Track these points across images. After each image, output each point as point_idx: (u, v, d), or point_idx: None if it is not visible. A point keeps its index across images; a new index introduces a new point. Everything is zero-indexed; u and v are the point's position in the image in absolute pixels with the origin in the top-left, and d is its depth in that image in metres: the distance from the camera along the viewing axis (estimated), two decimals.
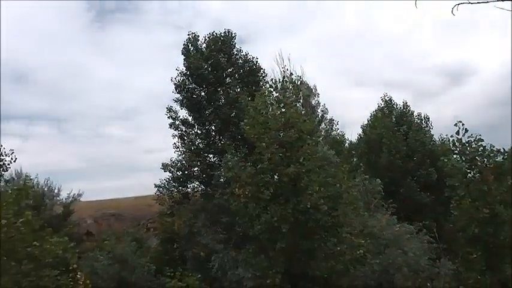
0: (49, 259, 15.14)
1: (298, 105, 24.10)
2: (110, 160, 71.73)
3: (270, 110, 17.78)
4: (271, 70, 36.60)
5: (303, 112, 22.95)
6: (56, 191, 31.10)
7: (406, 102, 32.07)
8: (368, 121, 32.35)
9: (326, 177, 17.49)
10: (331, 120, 34.92)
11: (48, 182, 30.81)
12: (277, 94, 18.31)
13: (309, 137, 17.44)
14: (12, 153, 19.75)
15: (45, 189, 29.89)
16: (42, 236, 16.11)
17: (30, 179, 24.50)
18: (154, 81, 70.80)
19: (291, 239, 16.59)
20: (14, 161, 19.74)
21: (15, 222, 14.95)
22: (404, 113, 31.82)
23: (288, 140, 16.87)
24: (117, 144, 75.36)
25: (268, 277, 16.50)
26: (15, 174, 25.37)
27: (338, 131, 34.78)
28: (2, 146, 19.66)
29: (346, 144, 34.07)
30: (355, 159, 31.17)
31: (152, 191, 25.16)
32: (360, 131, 32.88)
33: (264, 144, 17.05)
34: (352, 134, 47.53)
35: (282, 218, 16.37)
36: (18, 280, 14.61)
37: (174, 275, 17.61)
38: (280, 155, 16.78)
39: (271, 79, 19.68)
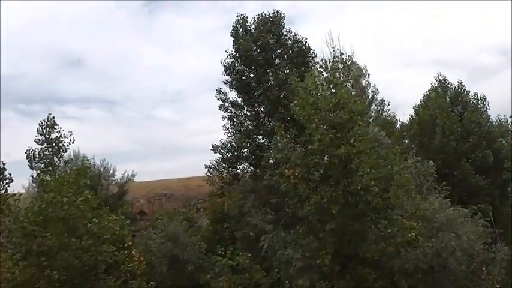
0: (107, 235, 15.84)
1: (348, 85, 23.70)
2: (161, 142, 73.67)
3: (320, 90, 17.59)
4: (321, 51, 36.01)
5: (353, 93, 22.57)
6: (111, 171, 32.36)
7: (461, 82, 30.90)
8: (421, 101, 31.42)
9: (377, 158, 17.25)
10: (382, 101, 34.19)
11: (104, 163, 32.07)
12: (327, 74, 18.09)
13: (359, 117, 17.17)
14: (71, 134, 20.62)
15: (101, 169, 31.11)
16: (100, 213, 16.86)
17: (88, 160, 25.45)
18: (203, 65, 71.73)
19: (341, 220, 16.54)
20: (72, 143, 20.58)
21: (75, 201, 15.71)
22: (459, 93, 30.69)
23: (339, 120, 16.68)
24: (168, 127, 77.32)
25: (318, 258, 16.54)
26: (73, 155, 26.51)
27: (389, 112, 34.06)
28: (61, 128, 20.59)
29: (398, 126, 33.31)
30: (406, 141, 30.46)
31: (202, 172, 25.69)
32: (412, 111, 32.04)
33: (314, 125, 16.95)
34: (404, 115, 46.44)
35: (332, 200, 16.33)
36: (79, 255, 15.39)
37: (225, 254, 17.97)
38: (331, 136, 16.63)
39: (321, 59, 19.53)
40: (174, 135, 77.31)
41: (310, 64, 24.34)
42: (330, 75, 18.04)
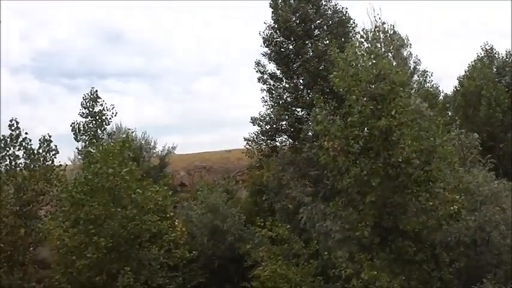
0: (150, 206, 16.33)
1: (389, 56, 23.13)
2: (201, 115, 74.38)
3: (361, 61, 17.25)
4: (361, 21, 35.19)
5: (394, 64, 22.02)
6: (152, 144, 33.03)
7: (510, 51, 29.59)
8: (465, 72, 30.40)
9: (419, 130, 16.92)
10: (424, 72, 33.19)
11: (145, 135, 32.74)
12: (368, 45, 17.69)
13: (401, 89, 16.81)
14: (113, 108, 21.23)
15: (143, 142, 31.79)
16: (144, 185, 17.37)
17: (132, 132, 25.89)
18: (242, 37, 71.39)
19: (381, 193, 16.41)
20: (115, 116, 21.21)
21: (120, 172, 16.23)
22: (507, 63, 29.46)
23: (380, 92, 16.37)
24: (207, 100, 77.87)
25: (357, 230, 16.53)
26: (116, 128, 27.16)
27: (432, 83, 33.09)
28: (103, 101, 21.16)
29: (441, 97, 32.40)
30: (450, 113, 29.64)
31: (241, 145, 25.86)
32: (456, 83, 31.05)
33: (354, 97, 16.71)
34: (448, 86, 45.06)
35: (372, 172, 16.18)
36: (124, 224, 15.99)
37: (264, 225, 18.19)
38: (371, 107, 16.37)
39: (362, 29, 19.00)
40: (214, 109, 77.98)
41: (351, 35, 23.82)
42: (371, 45, 17.61)
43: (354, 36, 22.94)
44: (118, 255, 16.29)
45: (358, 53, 17.50)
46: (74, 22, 77.78)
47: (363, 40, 18.07)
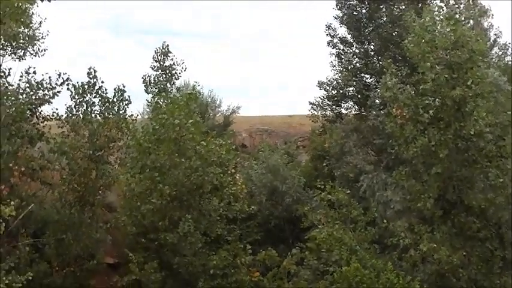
0: (213, 158, 16.72)
1: (469, 24, 21.87)
2: (265, 78, 74.38)
3: (438, 27, 16.48)
4: None
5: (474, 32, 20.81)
6: (217, 102, 33.56)
7: None
8: None
9: (495, 104, 16.10)
10: (505, 45, 31.13)
11: (211, 93, 33.29)
12: (447, 9, 16.80)
13: (480, 58, 15.96)
14: (183, 63, 21.74)
15: (209, 100, 32.35)
16: (208, 138, 17.79)
17: (199, 85, 26.25)
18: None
19: (448, 165, 15.93)
20: (184, 71, 21.70)
21: (185, 123, 16.68)
22: None
23: (457, 60, 15.65)
24: (272, 63, 77.67)
25: (419, 201, 16.18)
26: (184, 84, 27.69)
27: None
28: (174, 55, 21.67)
29: None
30: None
31: (305, 110, 25.71)
32: None
33: (428, 64, 16.06)
34: None
35: (441, 143, 15.69)
36: (187, 174, 16.53)
37: (324, 188, 18.18)
38: (446, 76, 15.71)
39: None
40: (278, 72, 77.78)
41: (428, 1, 22.72)
42: (451, 10, 16.71)
43: (432, 2, 21.84)
44: (180, 203, 16.93)
45: (436, 18, 16.73)
46: None
47: (442, 5, 17.13)
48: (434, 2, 20.63)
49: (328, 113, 24.98)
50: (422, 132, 16.29)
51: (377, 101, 22.18)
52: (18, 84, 15.44)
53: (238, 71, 78.36)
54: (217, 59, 77.90)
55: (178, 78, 21.78)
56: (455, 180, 16.23)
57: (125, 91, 18.27)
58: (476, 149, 15.69)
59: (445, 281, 15.59)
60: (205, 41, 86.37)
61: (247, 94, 72.31)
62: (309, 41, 79.14)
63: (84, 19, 79.94)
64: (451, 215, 16.25)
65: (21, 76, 15.54)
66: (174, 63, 21.75)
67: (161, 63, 21.58)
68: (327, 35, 24.50)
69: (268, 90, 75.04)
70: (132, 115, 18.55)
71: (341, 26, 24.32)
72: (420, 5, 21.99)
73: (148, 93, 20.96)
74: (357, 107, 24.42)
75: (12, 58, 17.22)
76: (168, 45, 21.71)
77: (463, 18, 17.56)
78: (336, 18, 24.21)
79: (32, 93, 15.44)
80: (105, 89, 17.95)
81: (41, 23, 19.01)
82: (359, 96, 23.70)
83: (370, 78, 23.87)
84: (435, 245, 15.43)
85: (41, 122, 16.65)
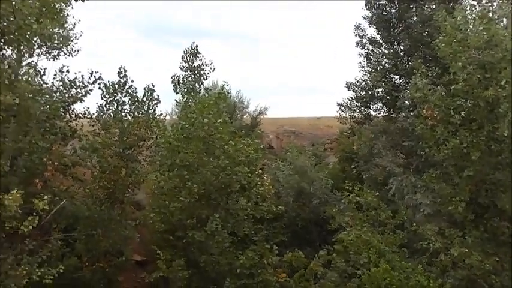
0: (242, 158, 16.77)
1: (504, 22, 21.33)
2: (294, 80, 74.35)
3: (471, 26, 16.13)
4: None
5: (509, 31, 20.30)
6: (245, 103, 33.69)
7: None
8: None
9: None
10: None
11: (239, 94, 33.45)
12: (480, 8, 16.43)
13: None
14: (211, 63, 21.91)
15: (237, 100, 32.51)
16: (236, 137, 17.85)
17: (228, 85, 26.39)
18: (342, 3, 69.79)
19: (481, 168, 15.53)
20: (213, 71, 21.86)
21: (214, 122, 16.79)
22: None
23: (490, 59, 15.23)
24: (301, 65, 77.56)
25: (450, 204, 15.86)
26: (212, 84, 27.93)
27: None
28: (203, 56, 21.86)
29: None
30: None
31: (333, 113, 25.57)
32: None
33: (460, 64, 15.70)
34: None
35: (473, 145, 15.32)
36: (216, 173, 16.62)
37: (353, 189, 18.01)
38: (478, 76, 15.34)
39: None
40: (307, 74, 77.65)
41: (460, 0, 22.30)
42: (484, 8, 16.33)
43: (464, 1, 21.44)
44: (208, 202, 17.04)
45: (468, 17, 16.39)
46: None
47: (474, 3, 16.75)
48: (467, 1, 20.23)
49: (356, 114, 24.79)
50: (454, 134, 15.96)
51: (406, 102, 21.87)
52: (52, 82, 15.87)
53: (270, 71, 78.55)
54: (245, 59, 78.26)
55: (206, 79, 21.97)
56: (487, 183, 15.83)
57: (154, 90, 18.59)
58: (510, 151, 15.26)
59: (477, 287, 15.21)
60: (232, 41, 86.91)
61: (278, 95, 72.49)
62: (340, 41, 78.77)
63: (113, 19, 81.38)
64: (483, 219, 15.86)
65: (55, 75, 15.98)
66: (203, 63, 21.94)
67: (190, 63, 21.79)
68: (355, 35, 24.36)
69: (297, 91, 74.96)
70: (161, 114, 18.83)
71: (370, 26, 24.15)
72: (452, 4, 21.62)
73: (177, 93, 21.19)
74: (385, 109, 24.14)
75: (46, 58, 17.64)
76: (197, 46, 21.93)
77: (496, 17, 17.12)
78: (364, 18, 24.07)
79: (65, 91, 15.82)
80: (135, 88, 18.26)
81: (75, 24, 19.43)
82: (388, 97, 23.42)
83: (400, 79, 23.56)
84: (466, 250, 15.08)
85: (74, 120, 17.05)
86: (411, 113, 20.92)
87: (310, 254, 19.03)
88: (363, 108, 24.37)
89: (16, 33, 11.67)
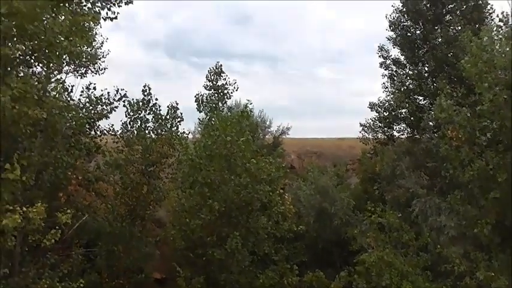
0: (263, 176, 16.75)
1: None
2: (317, 101, 74.34)
3: (497, 46, 15.99)
4: (500, 5, 32.28)
5: None
6: (267, 123, 33.78)
7: None
8: None
9: None
10: None
11: (262, 114, 33.58)
12: (507, 29, 16.30)
13: None
14: (235, 83, 22.14)
15: (259, 120, 32.61)
16: (258, 156, 17.87)
17: (251, 103, 26.44)
18: (367, 23, 69.98)
19: (507, 189, 15.21)
20: (236, 90, 22.06)
21: (237, 140, 16.86)
22: None
23: None
24: (326, 86, 77.65)
25: (476, 227, 15.51)
26: (235, 104, 28.12)
27: None
28: (227, 75, 22.10)
29: None
30: None
31: (355, 134, 25.41)
32: None
33: (486, 84, 15.58)
34: None
35: (499, 167, 15.08)
36: (237, 191, 16.61)
37: (375, 210, 17.77)
38: (505, 96, 15.17)
39: (502, 12, 17.45)
40: (331, 95, 77.63)
41: (486, 21, 22.12)
42: (511, 29, 16.20)
43: (490, 23, 21.26)
44: (229, 220, 17.01)
45: (494, 37, 16.26)
46: (207, 3, 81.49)
47: (501, 24, 16.63)
48: (493, 22, 20.08)
49: (379, 135, 24.56)
50: (479, 155, 15.75)
51: (430, 123, 21.63)
52: (79, 99, 16.22)
53: (293, 92, 78.94)
54: (272, 79, 78.75)
55: (230, 98, 22.17)
56: None
57: (177, 108, 18.81)
58: None
59: None
60: (263, 62, 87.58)
61: (300, 116, 72.47)
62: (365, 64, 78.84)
63: (140, 39, 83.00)
64: (510, 242, 15.47)
65: (82, 91, 16.35)
66: (226, 83, 22.17)
67: (214, 82, 22.03)
68: (379, 56, 24.32)
69: (322, 112, 74.90)
70: (184, 132, 19.03)
71: (394, 48, 24.10)
72: (477, 25, 21.47)
73: (200, 112, 21.39)
74: (409, 129, 23.87)
75: (74, 75, 18.07)
76: (221, 65, 22.22)
77: None
78: (389, 39, 24.01)
79: (91, 107, 16.13)
80: (159, 106, 18.51)
81: (102, 42, 19.91)
82: (412, 118, 23.18)
83: (424, 100, 23.33)
84: (493, 274, 14.71)
85: (98, 136, 17.33)
86: (435, 134, 20.66)
87: (331, 275, 18.75)
88: (386, 129, 24.15)
89: (46, 51, 11.99)
